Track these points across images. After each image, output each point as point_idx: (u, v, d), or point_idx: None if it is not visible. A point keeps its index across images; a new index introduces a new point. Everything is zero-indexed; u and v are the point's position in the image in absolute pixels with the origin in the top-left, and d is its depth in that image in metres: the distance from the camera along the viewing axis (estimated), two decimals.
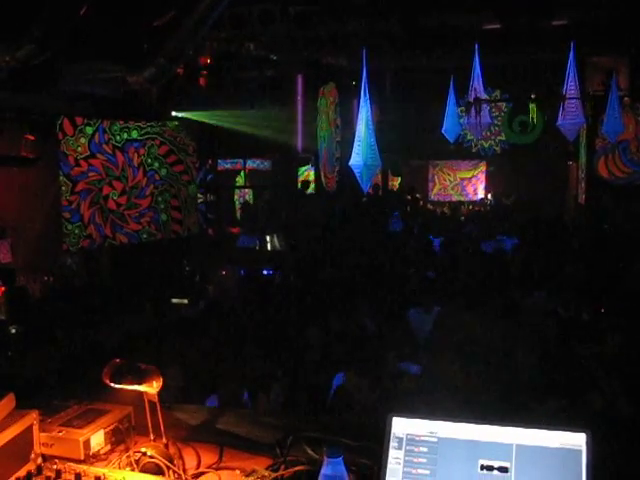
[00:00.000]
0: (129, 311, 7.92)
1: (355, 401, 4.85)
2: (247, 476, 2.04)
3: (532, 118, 11.12)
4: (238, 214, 16.09)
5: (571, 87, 10.36)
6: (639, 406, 4.62)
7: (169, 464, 2.06)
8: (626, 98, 14.53)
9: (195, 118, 12.57)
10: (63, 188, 10.51)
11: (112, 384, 2.11)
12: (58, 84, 8.91)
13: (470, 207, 18.84)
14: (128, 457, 2.13)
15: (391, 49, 12.13)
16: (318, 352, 6.22)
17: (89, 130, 10.88)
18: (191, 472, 2.15)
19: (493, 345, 6.09)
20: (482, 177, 19.75)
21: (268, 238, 13.20)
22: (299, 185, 15.85)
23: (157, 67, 8.55)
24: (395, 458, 1.79)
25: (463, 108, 11.96)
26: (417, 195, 18.37)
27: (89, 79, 9.57)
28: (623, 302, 7.48)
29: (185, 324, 7.42)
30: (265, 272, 10.45)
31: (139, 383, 2.08)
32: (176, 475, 2.05)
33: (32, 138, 9.85)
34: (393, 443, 1.80)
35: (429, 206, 18.89)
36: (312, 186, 15.70)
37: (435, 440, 1.79)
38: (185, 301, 9.18)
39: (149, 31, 8.62)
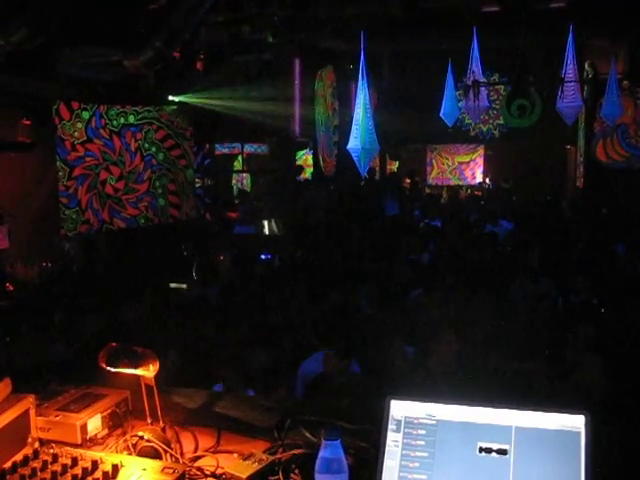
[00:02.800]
0: (127, 296, 7.90)
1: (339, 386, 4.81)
2: (245, 459, 2.04)
3: (530, 102, 11.07)
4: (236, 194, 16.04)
5: (570, 70, 10.34)
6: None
7: (166, 448, 2.05)
8: (625, 81, 14.49)
9: (192, 102, 12.51)
10: (60, 173, 10.46)
11: (108, 368, 2.10)
12: (54, 68, 8.86)
13: (468, 191, 18.80)
14: (125, 441, 2.12)
15: (390, 32, 12.07)
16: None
17: (86, 115, 10.82)
18: (189, 455, 2.15)
19: (488, 328, 6.12)
20: (480, 161, 19.71)
21: (265, 223, 13.17)
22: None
23: (154, 51, 8.50)
24: (393, 441, 1.78)
25: (461, 91, 11.92)
26: (416, 179, 18.34)
27: (85, 63, 9.50)
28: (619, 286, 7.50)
29: (185, 308, 7.40)
30: (263, 257, 10.44)
31: (135, 367, 2.07)
32: (173, 459, 2.05)
33: (28, 123, 9.80)
34: (391, 426, 1.80)
35: (427, 190, 18.85)
36: (308, 171, 15.64)
37: (434, 422, 1.78)
38: (184, 286, 9.16)
39: (145, 15, 8.56)
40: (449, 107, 11.20)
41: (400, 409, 1.81)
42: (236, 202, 15.54)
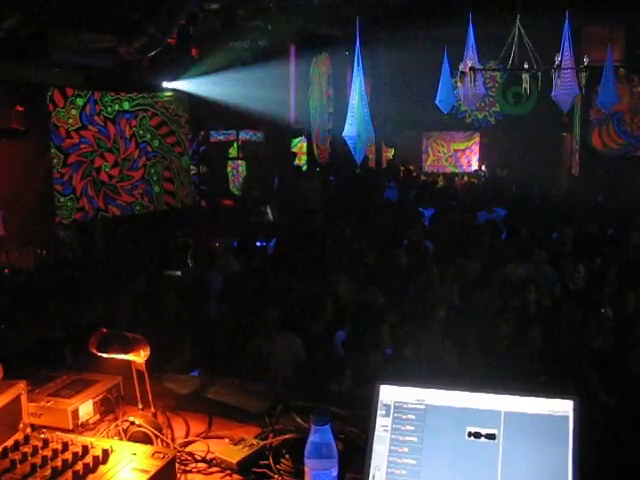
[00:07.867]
0: (123, 283, 7.89)
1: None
2: (235, 444, 2.05)
3: (526, 89, 11.05)
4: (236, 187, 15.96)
5: (566, 57, 10.31)
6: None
7: (157, 433, 2.06)
8: (621, 69, 14.48)
9: (187, 89, 12.45)
10: (55, 160, 10.41)
11: (99, 353, 2.10)
12: (48, 55, 8.80)
13: (464, 178, 18.80)
14: (117, 426, 2.12)
15: (385, 19, 12.03)
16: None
17: (80, 101, 10.76)
18: (180, 441, 2.16)
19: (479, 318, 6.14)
20: (476, 148, 19.69)
21: (261, 209, 13.18)
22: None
23: (148, 37, 8.46)
24: (383, 426, 1.78)
25: (457, 78, 11.88)
26: (410, 167, 18.37)
27: (79, 50, 9.44)
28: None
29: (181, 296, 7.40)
30: (258, 244, 10.44)
31: (126, 352, 2.07)
32: (165, 444, 2.05)
33: (22, 110, 9.75)
34: (381, 411, 1.80)
35: (422, 177, 18.84)
36: (303, 158, 15.58)
37: (423, 407, 1.78)
38: (178, 273, 9.16)
39: (140, 0, 8.52)
40: (445, 94, 11.18)
41: (389, 394, 1.81)
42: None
